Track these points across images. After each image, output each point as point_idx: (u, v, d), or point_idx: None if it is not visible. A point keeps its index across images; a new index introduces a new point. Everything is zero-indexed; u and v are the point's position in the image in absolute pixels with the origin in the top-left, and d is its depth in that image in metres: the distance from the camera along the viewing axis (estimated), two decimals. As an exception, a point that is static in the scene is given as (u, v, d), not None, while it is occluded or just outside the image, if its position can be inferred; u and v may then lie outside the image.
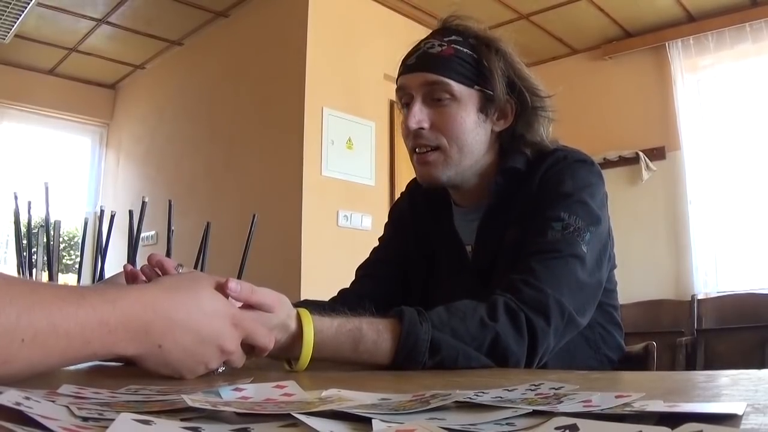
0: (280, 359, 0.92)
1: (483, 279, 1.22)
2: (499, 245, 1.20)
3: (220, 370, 0.78)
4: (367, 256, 1.56)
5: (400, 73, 1.25)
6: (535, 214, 1.14)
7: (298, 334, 0.88)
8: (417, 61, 1.21)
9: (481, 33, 1.23)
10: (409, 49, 1.26)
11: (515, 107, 1.23)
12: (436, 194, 1.39)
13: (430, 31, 1.28)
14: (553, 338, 1.02)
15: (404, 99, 1.24)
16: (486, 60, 1.19)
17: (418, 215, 1.43)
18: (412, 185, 1.50)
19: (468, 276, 1.28)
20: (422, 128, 1.19)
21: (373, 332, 0.93)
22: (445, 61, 1.18)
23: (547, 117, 1.25)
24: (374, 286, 1.40)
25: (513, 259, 1.12)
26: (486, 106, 1.21)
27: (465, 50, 1.20)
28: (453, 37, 1.21)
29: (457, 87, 1.18)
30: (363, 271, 1.48)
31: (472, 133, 1.21)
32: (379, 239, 1.53)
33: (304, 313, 0.89)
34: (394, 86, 1.29)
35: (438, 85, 1.18)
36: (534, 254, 1.08)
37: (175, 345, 0.68)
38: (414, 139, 1.21)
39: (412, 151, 1.25)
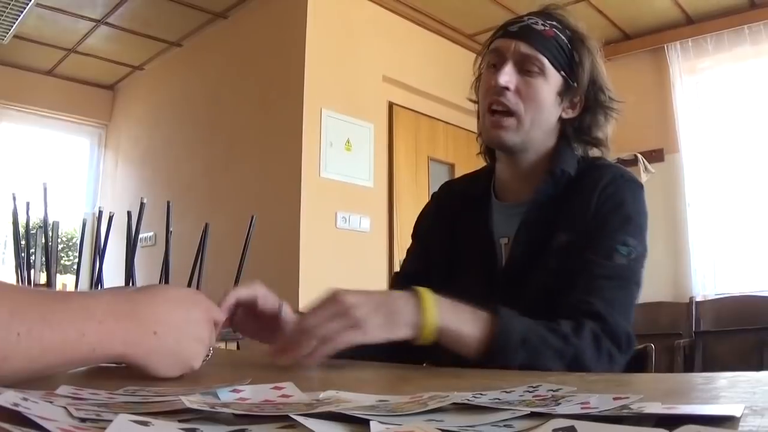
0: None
1: (514, 271, 1.25)
2: (542, 244, 1.23)
3: (209, 353, 0.79)
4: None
5: (498, 37, 1.30)
6: (598, 232, 1.18)
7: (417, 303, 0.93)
8: (519, 31, 1.27)
9: (578, 29, 1.30)
10: (509, 19, 1.32)
11: (584, 102, 1.30)
12: (476, 190, 1.42)
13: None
14: (618, 367, 1.08)
15: (494, 60, 1.29)
16: (578, 53, 1.27)
17: (445, 215, 1.45)
18: (444, 189, 1.55)
19: (496, 266, 1.30)
20: (507, 88, 1.24)
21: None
22: (545, 40, 1.25)
23: (613, 117, 1.34)
24: None
25: (563, 263, 1.17)
26: (564, 92, 1.28)
27: (563, 38, 1.27)
28: (554, 23, 1.28)
29: (548, 65, 1.25)
30: (396, 287, 1.50)
31: (548, 110, 1.27)
32: (408, 251, 1.55)
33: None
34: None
35: (533, 57, 1.24)
36: (604, 278, 1.12)
37: (168, 328, 0.69)
38: (495, 95, 1.26)
39: (487, 110, 1.28)
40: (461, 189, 1.48)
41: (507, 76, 1.24)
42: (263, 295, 1.04)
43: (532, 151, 1.31)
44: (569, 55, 1.27)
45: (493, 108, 1.27)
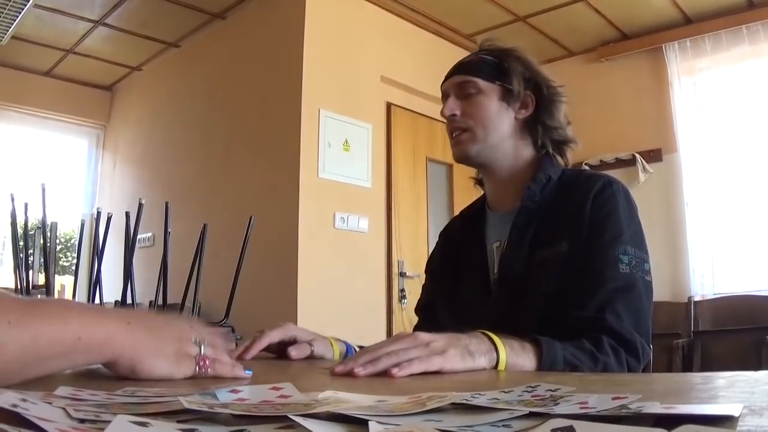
0: None
1: (508, 271, 1.35)
2: (538, 248, 1.32)
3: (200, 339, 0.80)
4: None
5: (442, 84, 1.51)
6: (598, 242, 1.26)
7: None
8: (452, 70, 1.50)
9: (504, 46, 1.49)
10: None
11: (534, 99, 1.45)
12: (473, 210, 1.57)
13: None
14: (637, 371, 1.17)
15: (443, 101, 1.49)
16: (506, 62, 1.44)
17: (450, 241, 1.59)
18: (450, 222, 1.70)
19: (488, 268, 1.41)
20: (454, 115, 1.44)
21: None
22: (473, 65, 1.46)
23: (561, 102, 1.47)
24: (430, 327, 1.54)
25: (566, 271, 1.25)
26: (506, 96, 1.43)
27: (489, 57, 1.46)
28: (482, 51, 1.49)
29: (481, 82, 1.43)
30: (420, 316, 1.60)
31: (495, 116, 1.43)
32: (422, 286, 1.65)
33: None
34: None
35: (466, 82, 1.44)
36: (612, 290, 1.20)
37: (138, 319, 0.73)
38: (449, 124, 1.46)
39: (450, 136, 1.47)
40: (462, 215, 1.63)
41: (450, 105, 1.45)
42: (294, 335, 1.18)
43: (501, 156, 1.45)
44: (499, 67, 1.44)
45: (453, 134, 1.46)
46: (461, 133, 1.44)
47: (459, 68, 1.48)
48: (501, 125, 1.43)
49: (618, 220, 1.27)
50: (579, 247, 1.26)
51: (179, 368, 0.74)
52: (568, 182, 1.39)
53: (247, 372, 0.79)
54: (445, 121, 1.48)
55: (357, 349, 1.30)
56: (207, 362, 0.77)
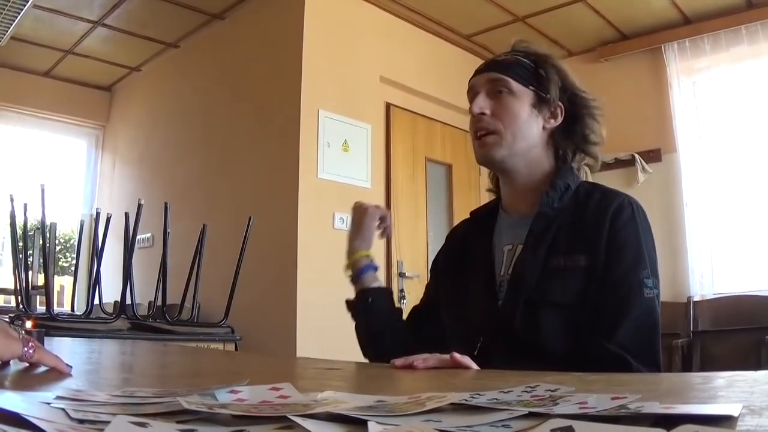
0: None
1: (521, 275, 1.33)
2: (555, 257, 1.31)
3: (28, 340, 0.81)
4: None
5: (471, 78, 1.47)
6: (624, 267, 1.26)
7: None
8: (484, 66, 1.45)
9: (540, 51, 1.45)
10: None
11: (564, 110, 1.42)
12: (485, 211, 1.55)
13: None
14: None
15: (470, 97, 1.44)
16: (542, 69, 1.41)
17: (456, 240, 1.58)
18: (459, 223, 1.67)
19: (494, 270, 1.39)
20: (483, 114, 1.39)
21: None
22: (507, 64, 1.42)
23: (593, 116, 1.44)
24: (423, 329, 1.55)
25: (585, 286, 1.25)
26: (538, 104, 1.40)
27: (525, 60, 1.42)
28: (516, 52, 1.45)
29: (514, 84, 1.39)
30: (410, 317, 1.60)
31: (525, 123, 1.39)
32: (426, 286, 1.65)
33: None
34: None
35: (499, 81, 1.40)
36: (641, 318, 1.23)
37: None
38: (476, 123, 1.41)
39: (474, 137, 1.43)
40: (473, 214, 1.60)
41: (480, 103, 1.39)
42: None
43: (524, 164, 1.42)
44: (535, 72, 1.41)
45: (477, 134, 1.41)
46: (488, 135, 1.39)
47: (492, 65, 1.43)
48: (530, 133, 1.40)
49: (639, 244, 1.27)
50: (598, 266, 1.25)
51: (8, 347, 0.76)
52: (585, 195, 1.37)
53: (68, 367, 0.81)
54: (470, 119, 1.44)
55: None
56: (32, 345, 0.79)
